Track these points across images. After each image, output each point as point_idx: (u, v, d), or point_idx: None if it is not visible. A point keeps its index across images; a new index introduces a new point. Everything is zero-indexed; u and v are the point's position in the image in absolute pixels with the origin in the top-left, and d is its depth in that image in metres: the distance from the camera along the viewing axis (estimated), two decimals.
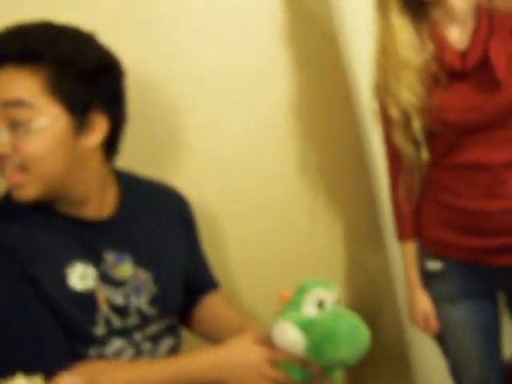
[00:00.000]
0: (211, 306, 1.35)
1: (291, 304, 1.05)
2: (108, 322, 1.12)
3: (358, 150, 1.90)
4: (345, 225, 1.94)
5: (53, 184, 1.07)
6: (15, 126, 1.02)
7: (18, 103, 1.01)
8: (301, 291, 1.06)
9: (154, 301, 1.20)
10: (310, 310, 1.04)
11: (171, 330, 1.25)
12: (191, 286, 1.32)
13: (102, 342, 1.11)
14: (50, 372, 0.90)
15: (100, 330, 1.11)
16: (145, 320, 1.18)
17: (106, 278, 1.13)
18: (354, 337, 1.01)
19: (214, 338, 1.30)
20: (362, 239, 2.00)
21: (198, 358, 1.11)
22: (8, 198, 1.11)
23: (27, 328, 1.04)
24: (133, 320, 1.16)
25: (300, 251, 1.82)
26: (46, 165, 1.04)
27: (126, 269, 1.16)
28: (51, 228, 1.10)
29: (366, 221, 1.99)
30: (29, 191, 1.05)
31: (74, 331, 1.08)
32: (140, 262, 1.18)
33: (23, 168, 1.04)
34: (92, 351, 1.10)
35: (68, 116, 1.05)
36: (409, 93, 1.38)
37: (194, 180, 1.57)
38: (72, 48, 1.05)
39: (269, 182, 1.74)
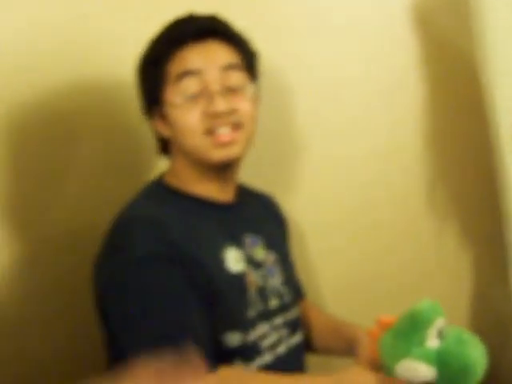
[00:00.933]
0: (307, 313, 1.37)
1: (408, 337, 1.00)
2: (255, 305, 1.15)
3: (491, 179, 1.79)
4: (471, 257, 1.88)
5: (247, 146, 1.18)
6: (231, 89, 1.14)
7: (236, 66, 1.16)
8: (420, 324, 1.00)
9: (287, 281, 1.25)
10: (433, 341, 1.00)
11: (300, 325, 1.27)
12: None
13: (252, 325, 1.14)
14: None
15: (252, 312, 1.14)
16: (283, 303, 1.22)
17: (250, 261, 1.17)
18: (483, 362, 1.00)
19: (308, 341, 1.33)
20: (488, 273, 1.92)
21: (323, 377, 1.13)
22: (155, 184, 1.20)
23: (173, 317, 1.04)
24: (273, 302, 1.19)
25: (425, 282, 1.78)
26: (253, 125, 1.18)
27: (260, 251, 1.21)
28: (197, 212, 1.16)
29: (494, 254, 1.89)
30: (238, 149, 1.15)
31: (232, 315, 1.12)
32: (268, 244, 1.23)
33: (237, 126, 1.14)
34: (241, 337, 1.11)
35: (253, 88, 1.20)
36: None
37: (314, 196, 1.60)
38: (243, 35, 1.22)
39: (395, 207, 1.73)
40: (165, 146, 1.22)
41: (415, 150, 1.76)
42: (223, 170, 1.18)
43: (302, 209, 1.57)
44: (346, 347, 1.23)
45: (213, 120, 1.12)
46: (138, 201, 1.16)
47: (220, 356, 1.08)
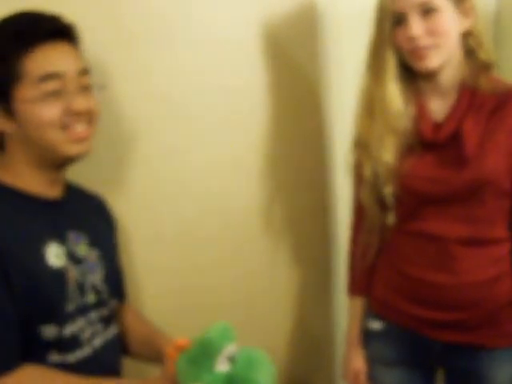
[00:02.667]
0: (125, 317, 1.40)
1: (198, 362, 1.04)
2: (74, 299, 1.18)
3: (322, 201, 1.91)
4: (300, 274, 1.95)
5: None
6: (84, 89, 1.20)
7: (87, 71, 1.22)
8: (210, 351, 1.04)
9: (106, 279, 1.28)
10: (222, 366, 1.04)
11: (115, 318, 1.33)
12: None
13: (70, 319, 1.16)
14: None
15: (69, 306, 1.17)
16: (100, 299, 1.25)
17: (71, 256, 1.20)
18: (271, 382, 1.05)
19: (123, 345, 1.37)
20: (314, 290, 2.00)
21: (125, 380, 1.25)
22: None
23: None
24: (90, 298, 1.22)
25: (256, 298, 1.84)
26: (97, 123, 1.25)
27: (83, 247, 1.24)
28: (22, 207, 1.17)
29: (320, 272, 1.99)
30: (90, 144, 1.22)
31: (49, 308, 1.13)
32: (91, 241, 1.26)
33: (91, 123, 1.22)
34: (56, 330, 1.14)
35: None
36: (389, 157, 1.41)
37: (147, 204, 1.60)
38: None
39: (232, 221, 1.76)
40: None
41: (255, 165, 1.80)
42: (62, 166, 1.22)
43: (134, 216, 1.56)
44: (155, 356, 1.29)
45: (71, 117, 1.16)
46: None
47: (36, 348, 1.13)
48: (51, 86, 1.14)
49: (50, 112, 1.15)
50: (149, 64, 1.56)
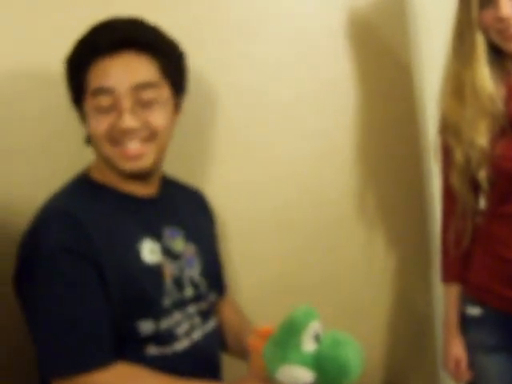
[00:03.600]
0: (223, 311, 1.42)
1: (285, 343, 1.04)
2: (170, 294, 1.19)
3: (416, 187, 1.89)
4: (398, 262, 1.93)
5: (161, 156, 1.23)
6: (144, 104, 1.16)
7: (148, 85, 1.16)
8: (295, 329, 1.04)
9: (204, 272, 1.28)
10: (309, 345, 1.03)
11: (214, 311, 1.34)
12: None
13: (167, 313, 1.18)
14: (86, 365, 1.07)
15: (166, 301, 1.18)
16: (198, 293, 1.26)
17: (167, 252, 1.21)
18: (360, 360, 1.03)
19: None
20: (412, 277, 1.98)
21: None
22: (79, 177, 1.23)
23: (78, 318, 1.09)
24: (188, 292, 1.23)
25: (353, 286, 1.83)
26: (166, 136, 1.21)
27: (179, 243, 1.25)
28: (117, 205, 1.20)
29: (418, 260, 1.97)
30: (148, 160, 1.18)
31: (145, 302, 1.15)
32: (188, 236, 1.27)
33: (149, 139, 1.17)
34: (153, 324, 1.16)
35: (173, 96, 1.23)
36: (483, 140, 1.39)
37: (238, 194, 1.62)
38: (169, 40, 1.23)
39: (326, 211, 1.76)
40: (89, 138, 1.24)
41: (347, 154, 1.79)
42: (138, 175, 1.22)
43: (229, 207, 1.57)
44: (244, 353, 1.27)
45: (120, 134, 1.15)
46: (60, 194, 1.19)
47: (134, 342, 1.15)
48: (101, 101, 1.14)
49: (99, 127, 1.16)
50: (238, 56, 1.58)
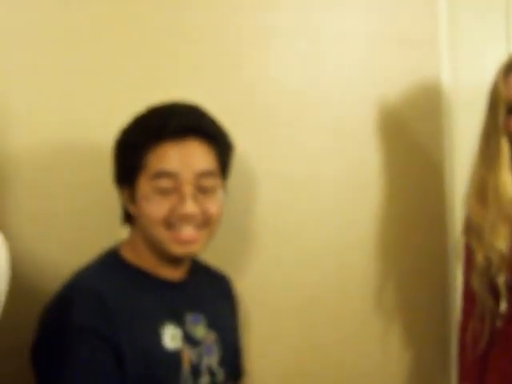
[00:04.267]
0: None
1: None
2: (187, 381, 1.19)
3: (440, 286, 1.89)
4: (414, 361, 1.90)
5: (209, 242, 1.24)
6: (204, 191, 1.19)
7: (210, 173, 1.20)
8: None
9: (222, 362, 1.26)
10: None
11: None
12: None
13: None
14: None
15: None
16: (214, 381, 1.24)
17: (188, 339, 1.20)
18: None
19: None
20: (429, 376, 1.94)
21: None
22: (110, 254, 1.24)
23: None
24: (204, 380, 1.22)
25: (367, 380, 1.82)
26: (219, 222, 1.23)
27: (201, 329, 1.24)
28: (145, 287, 1.20)
29: (436, 360, 1.93)
30: (198, 247, 1.21)
31: None
32: (210, 323, 1.26)
33: (203, 225, 1.19)
34: None
35: (223, 184, 1.27)
36: (503, 245, 1.40)
37: (264, 279, 1.65)
38: (224, 130, 1.27)
39: (345, 302, 1.77)
40: (128, 217, 1.25)
41: (369, 250, 1.80)
42: (177, 260, 1.23)
43: (251, 291, 1.59)
44: None
45: (178, 219, 1.16)
46: (88, 270, 1.20)
47: None
48: (163, 184, 1.16)
49: (157, 210, 1.16)
50: (279, 143, 1.65)
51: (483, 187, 1.44)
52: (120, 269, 1.22)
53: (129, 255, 1.23)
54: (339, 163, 1.74)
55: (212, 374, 1.24)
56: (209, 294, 1.33)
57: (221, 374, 1.26)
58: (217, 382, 1.25)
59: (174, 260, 1.22)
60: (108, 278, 1.18)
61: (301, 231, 1.69)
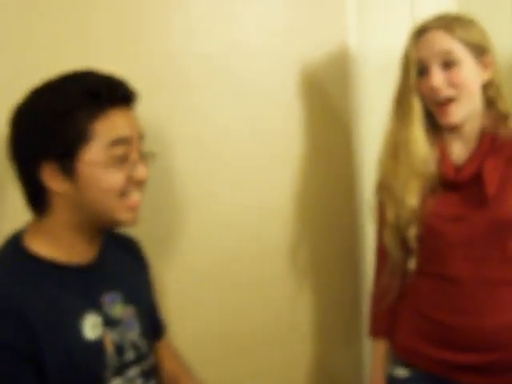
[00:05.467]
0: (161, 354, 1.42)
1: None
2: (112, 363, 1.18)
3: (349, 245, 1.94)
4: (325, 320, 1.96)
5: None
6: (143, 156, 1.19)
7: (144, 136, 1.21)
8: None
9: (144, 333, 1.27)
10: None
11: (155, 371, 1.32)
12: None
13: (107, 382, 1.17)
14: None
15: (108, 372, 1.17)
16: (140, 353, 1.25)
17: (107, 321, 1.19)
18: None
19: None
20: (340, 332, 2.01)
21: None
22: (12, 248, 1.16)
23: None
24: (129, 355, 1.22)
25: (278, 341, 1.85)
26: None
27: (118, 307, 1.23)
28: (58, 280, 1.15)
29: (347, 318, 2.00)
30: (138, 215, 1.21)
31: (87, 380, 1.14)
32: (127, 298, 1.26)
33: (142, 191, 1.21)
34: None
35: None
36: (413, 200, 1.45)
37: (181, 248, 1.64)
38: None
39: (263, 258, 1.80)
40: (39, 199, 1.17)
41: (285, 209, 1.83)
42: (107, 230, 1.23)
43: (166, 261, 1.60)
44: None
45: (132, 185, 1.16)
46: None
47: None
48: (120, 151, 1.13)
49: (114, 179, 1.14)
50: (187, 108, 1.61)
51: (395, 145, 1.49)
52: (30, 266, 1.14)
53: (36, 246, 1.16)
54: (254, 127, 1.75)
55: (136, 347, 1.25)
56: (124, 263, 1.32)
57: (144, 346, 1.27)
58: (142, 354, 1.26)
59: (98, 236, 1.21)
60: (20, 282, 1.11)
61: (218, 195, 1.70)
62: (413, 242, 1.47)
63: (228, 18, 1.69)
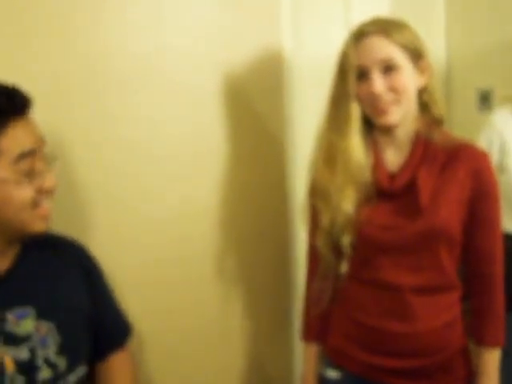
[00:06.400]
0: (109, 373, 1.38)
1: None
2: (13, 382, 1.14)
3: (281, 251, 1.93)
4: (256, 323, 1.94)
5: None
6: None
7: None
8: None
9: (62, 350, 1.22)
10: None
11: None
12: (100, 336, 1.35)
13: None
14: None
15: None
16: (56, 373, 1.20)
17: (9, 338, 1.15)
18: None
19: None
20: (271, 338, 2.00)
21: None
22: None
23: None
24: (43, 374, 1.18)
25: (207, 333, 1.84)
26: None
27: (28, 323, 1.18)
28: None
29: (278, 320, 1.99)
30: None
31: None
32: (42, 313, 1.21)
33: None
34: None
35: None
36: (349, 207, 1.44)
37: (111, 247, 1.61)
38: None
39: (186, 268, 1.77)
40: None
41: (215, 214, 1.81)
42: (21, 240, 1.20)
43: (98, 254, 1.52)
44: None
45: (42, 195, 1.15)
46: None
47: None
48: (26, 165, 1.12)
49: (25, 193, 1.12)
50: (111, 112, 1.58)
51: (331, 151, 1.47)
52: None
53: None
54: (182, 129, 1.72)
55: (52, 365, 1.20)
56: (47, 274, 1.26)
57: (62, 363, 1.22)
58: (59, 372, 1.21)
59: (7, 247, 1.18)
60: None
61: (147, 196, 1.67)
62: (346, 248, 1.46)
63: (163, 20, 1.66)
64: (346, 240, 1.45)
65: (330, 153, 1.47)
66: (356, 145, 1.44)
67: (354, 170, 1.44)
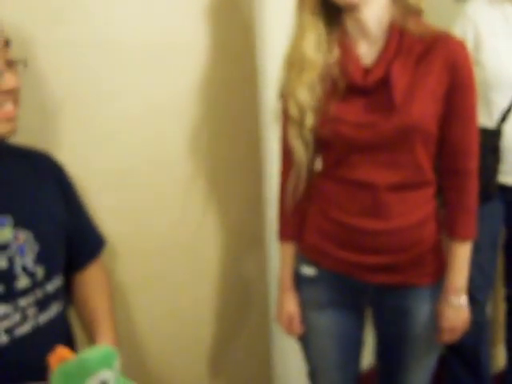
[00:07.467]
0: (85, 283, 1.39)
1: (67, 379, 0.99)
2: None
3: (254, 147, 1.92)
4: (232, 221, 1.96)
5: None
6: (11, 64, 1.15)
7: (9, 42, 1.16)
8: (83, 372, 0.99)
9: (39, 259, 1.22)
10: None
11: (58, 295, 1.29)
12: (75, 247, 1.36)
13: None
14: None
15: None
16: (35, 281, 1.21)
17: None
18: None
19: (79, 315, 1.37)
20: (245, 237, 2.03)
21: None
22: None
23: None
24: (22, 282, 1.18)
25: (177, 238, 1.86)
26: None
27: (6, 232, 1.18)
28: None
29: (253, 219, 2.01)
30: (17, 123, 1.18)
31: None
32: (20, 222, 1.21)
33: (16, 103, 1.17)
34: None
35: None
36: (306, 92, 1.40)
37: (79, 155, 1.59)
38: None
39: (162, 167, 1.77)
40: None
41: (186, 112, 1.80)
42: None
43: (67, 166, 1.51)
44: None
45: (3, 96, 1.13)
46: None
47: None
48: None
49: None
50: (84, 10, 1.54)
51: (292, 37, 1.43)
52: None
53: None
54: (153, 32, 1.68)
55: (30, 274, 1.21)
56: (23, 184, 1.25)
57: (40, 272, 1.23)
58: (37, 281, 1.21)
59: None
60: None
61: (114, 97, 1.64)
62: (308, 133, 1.43)
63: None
64: (309, 123, 1.41)
65: (291, 38, 1.43)
66: (309, 24, 1.39)
67: (308, 52, 1.39)
